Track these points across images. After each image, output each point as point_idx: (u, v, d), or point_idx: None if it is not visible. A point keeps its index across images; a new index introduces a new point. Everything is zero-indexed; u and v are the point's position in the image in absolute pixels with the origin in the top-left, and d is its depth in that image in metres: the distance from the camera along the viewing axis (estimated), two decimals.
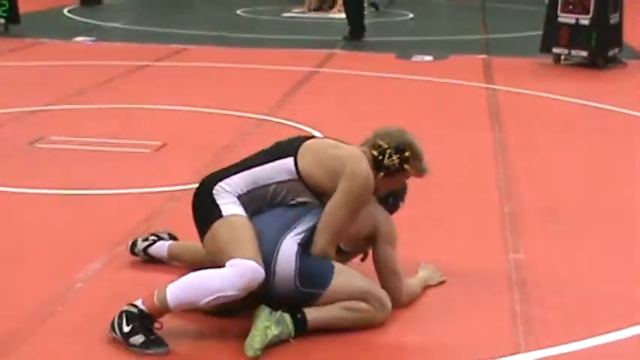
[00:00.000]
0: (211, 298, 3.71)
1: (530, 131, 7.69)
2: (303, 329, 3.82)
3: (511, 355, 3.75)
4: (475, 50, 12.16)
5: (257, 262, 3.75)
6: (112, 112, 8.19)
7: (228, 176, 4.03)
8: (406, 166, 4.08)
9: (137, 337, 3.70)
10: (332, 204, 3.94)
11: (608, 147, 7.25)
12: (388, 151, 4.04)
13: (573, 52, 10.84)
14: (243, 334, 3.74)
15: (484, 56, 11.73)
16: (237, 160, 4.18)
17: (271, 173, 4.01)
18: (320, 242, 3.93)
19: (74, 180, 6.03)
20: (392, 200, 4.31)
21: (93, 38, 12.84)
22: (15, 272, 4.54)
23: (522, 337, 3.90)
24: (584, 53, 10.74)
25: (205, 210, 3.98)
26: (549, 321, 4.05)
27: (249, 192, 3.99)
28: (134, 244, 4.63)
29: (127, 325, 3.72)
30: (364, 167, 3.98)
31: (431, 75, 10.23)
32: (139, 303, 3.77)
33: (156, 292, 3.78)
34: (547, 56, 11.16)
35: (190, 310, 4.00)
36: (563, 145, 7.28)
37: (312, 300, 3.88)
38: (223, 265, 3.77)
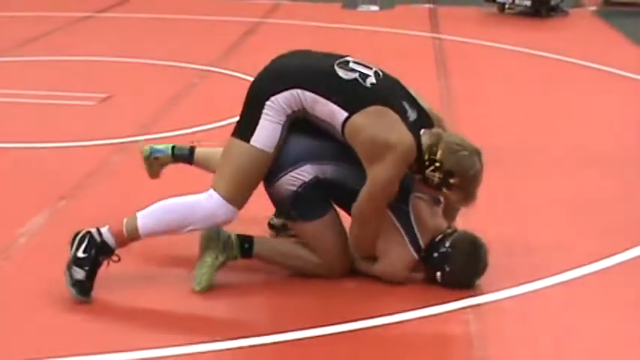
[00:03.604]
0: (180, 229, 3.79)
1: (475, 79, 7.75)
2: (247, 256, 3.91)
3: (457, 300, 3.80)
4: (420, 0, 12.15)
5: (232, 203, 3.75)
6: (54, 64, 8.08)
7: (288, 88, 3.77)
8: (444, 190, 3.79)
9: (78, 270, 3.67)
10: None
11: (550, 94, 7.33)
12: (436, 164, 3.74)
13: (517, 1, 10.91)
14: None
15: (430, 5, 11.72)
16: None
17: (323, 112, 3.77)
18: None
19: (17, 133, 5.96)
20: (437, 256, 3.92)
21: None
22: None
23: None
24: (528, 2, 10.81)
25: (247, 116, 3.83)
26: (493, 265, 4.11)
27: (301, 110, 3.79)
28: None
29: (84, 252, 3.69)
30: (390, 176, 3.72)
31: (377, 25, 10.22)
32: (104, 231, 3.74)
33: (125, 220, 3.77)
34: (491, 5, 11.20)
35: None
36: (506, 93, 7.35)
37: (287, 218, 3.96)
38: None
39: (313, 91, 3.78)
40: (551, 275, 4.04)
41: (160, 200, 3.83)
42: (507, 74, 8.05)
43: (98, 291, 3.78)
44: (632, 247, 4.35)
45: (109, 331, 3.55)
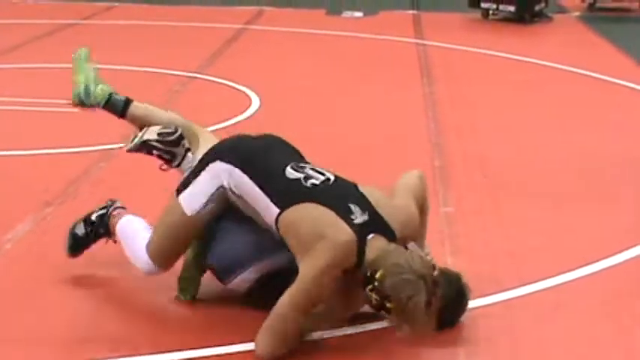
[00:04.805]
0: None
1: (460, 85, 7.77)
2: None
3: None
4: (405, 6, 12.19)
5: (155, 263, 3.73)
6: (40, 71, 8.07)
7: (236, 165, 3.63)
8: (384, 313, 3.39)
9: (82, 227, 3.94)
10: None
11: (533, 99, 7.37)
12: (375, 284, 3.33)
13: (501, 7, 10.96)
14: None
15: (414, 11, 11.77)
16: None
17: (257, 203, 3.57)
18: None
19: (3, 139, 5.95)
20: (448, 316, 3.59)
21: None
22: None
23: None
24: (512, 8, 10.86)
25: (191, 171, 3.75)
26: (479, 272, 4.12)
27: (238, 195, 3.62)
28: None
29: (96, 217, 3.93)
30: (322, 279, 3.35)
31: (361, 31, 10.24)
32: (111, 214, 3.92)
33: (119, 215, 3.90)
34: (475, 11, 11.25)
35: None
36: (491, 98, 7.38)
37: None
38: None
39: (252, 179, 3.58)
40: (538, 281, 4.05)
41: (140, 218, 3.91)
42: (491, 80, 8.08)
43: (84, 299, 3.78)
44: (619, 252, 4.37)
45: (99, 338, 3.55)
